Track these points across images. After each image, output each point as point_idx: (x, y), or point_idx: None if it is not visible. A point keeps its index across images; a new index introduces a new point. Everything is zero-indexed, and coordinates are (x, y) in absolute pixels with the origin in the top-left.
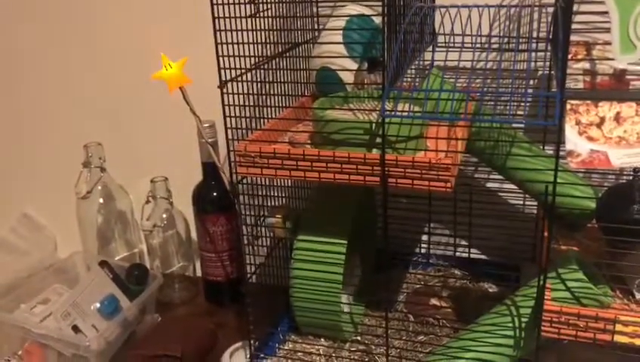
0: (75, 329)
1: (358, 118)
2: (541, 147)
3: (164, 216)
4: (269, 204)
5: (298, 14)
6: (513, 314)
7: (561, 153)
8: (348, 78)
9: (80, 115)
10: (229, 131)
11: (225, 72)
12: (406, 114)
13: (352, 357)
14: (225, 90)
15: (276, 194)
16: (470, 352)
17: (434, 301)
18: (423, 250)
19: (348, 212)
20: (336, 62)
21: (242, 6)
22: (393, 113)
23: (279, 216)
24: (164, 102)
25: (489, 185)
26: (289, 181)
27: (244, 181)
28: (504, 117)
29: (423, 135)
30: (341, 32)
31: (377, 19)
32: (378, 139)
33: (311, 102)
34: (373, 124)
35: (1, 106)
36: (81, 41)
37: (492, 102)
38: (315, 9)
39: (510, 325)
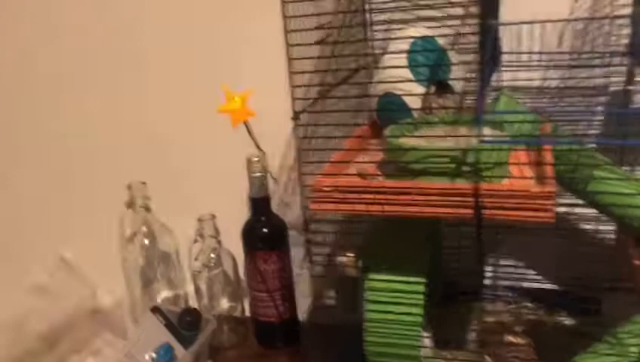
0: None
1: (436, 145)
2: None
3: (213, 255)
4: (330, 240)
5: (351, 39)
6: (618, 353)
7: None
8: (414, 102)
9: (121, 151)
10: (302, 165)
11: (295, 102)
12: (503, 139)
13: None
14: (297, 122)
15: (334, 229)
16: None
17: (509, 337)
18: (489, 282)
19: (423, 245)
20: (401, 86)
21: (309, 33)
22: (491, 138)
23: (351, 254)
24: (209, 136)
25: (560, 209)
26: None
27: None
28: (603, 138)
29: (507, 161)
30: (405, 55)
31: (441, 40)
32: (465, 167)
33: (370, 131)
34: (461, 151)
35: (40, 144)
36: (123, 74)
37: (570, 122)
38: (368, 33)
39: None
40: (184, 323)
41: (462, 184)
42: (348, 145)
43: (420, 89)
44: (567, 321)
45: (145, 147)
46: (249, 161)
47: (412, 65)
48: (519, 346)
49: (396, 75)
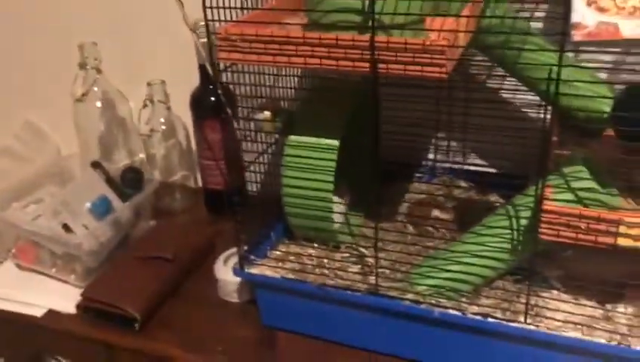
0: (66, 228)
1: None
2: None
3: (162, 120)
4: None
5: None
6: (512, 216)
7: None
8: None
9: (76, 14)
10: (209, 11)
11: None
12: None
13: (344, 261)
14: None
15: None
16: (466, 257)
17: (436, 212)
18: (429, 162)
19: (341, 116)
20: None
21: None
22: None
23: (268, 111)
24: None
25: (502, 93)
26: (287, 72)
27: (230, 68)
28: None
29: (423, 20)
30: None
31: None
32: (370, 21)
33: None
34: (366, 3)
35: None
36: None
37: None
38: None
39: (508, 228)
40: (125, 181)
41: (361, 36)
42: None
43: None
44: (498, 201)
45: (97, 7)
46: (196, 25)
47: None
48: (444, 221)
49: None
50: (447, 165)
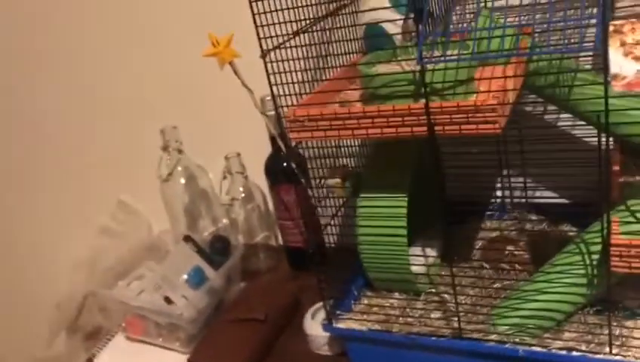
0: (167, 300)
1: (404, 70)
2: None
3: (241, 188)
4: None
5: None
6: (583, 252)
7: None
8: (394, 30)
9: (158, 100)
10: (277, 99)
11: (267, 40)
12: (442, 58)
13: (426, 308)
14: (268, 59)
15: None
16: (543, 294)
17: (510, 248)
18: (498, 200)
19: (406, 168)
20: (382, 15)
21: None
22: (430, 59)
23: (338, 177)
24: (228, 81)
25: (560, 123)
26: (349, 141)
27: (301, 145)
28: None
29: (472, 79)
30: None
31: None
32: (422, 89)
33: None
34: (417, 74)
35: (82, 98)
36: (139, 32)
37: (539, 34)
38: None
39: (581, 264)
40: (214, 249)
41: (415, 104)
42: (334, 76)
43: (397, 16)
44: (571, 232)
45: (175, 95)
46: (262, 101)
47: None
48: (519, 257)
49: (377, 4)
50: (515, 200)
